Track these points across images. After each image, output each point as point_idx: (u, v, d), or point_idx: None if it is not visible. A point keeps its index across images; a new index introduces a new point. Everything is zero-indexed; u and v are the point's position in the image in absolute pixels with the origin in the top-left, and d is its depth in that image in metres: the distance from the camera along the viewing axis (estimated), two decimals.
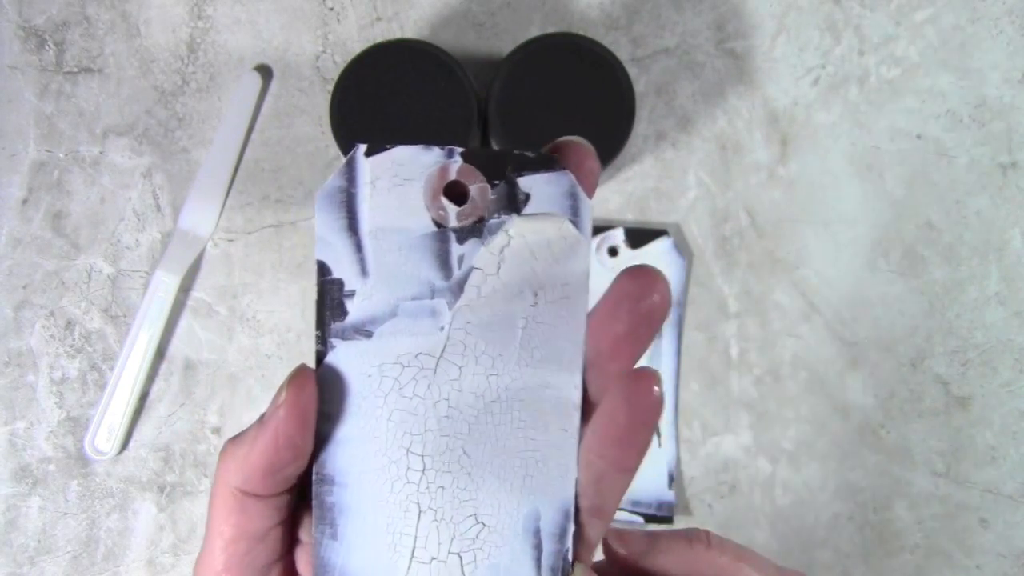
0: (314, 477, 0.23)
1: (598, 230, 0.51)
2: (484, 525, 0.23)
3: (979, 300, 0.51)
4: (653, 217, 0.52)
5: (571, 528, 0.23)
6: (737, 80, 0.52)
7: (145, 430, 0.51)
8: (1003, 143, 0.52)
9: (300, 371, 0.22)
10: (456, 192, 0.22)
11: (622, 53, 0.50)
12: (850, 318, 0.51)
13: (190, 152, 0.52)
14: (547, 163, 0.22)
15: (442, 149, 0.22)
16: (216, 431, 0.51)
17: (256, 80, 0.51)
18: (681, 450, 0.51)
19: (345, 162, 0.22)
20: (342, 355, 0.23)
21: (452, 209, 0.22)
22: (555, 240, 0.22)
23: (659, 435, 0.50)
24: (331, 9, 0.52)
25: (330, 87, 0.46)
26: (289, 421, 0.21)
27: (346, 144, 0.46)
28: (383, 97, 0.46)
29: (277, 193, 0.52)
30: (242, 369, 0.51)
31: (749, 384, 0.51)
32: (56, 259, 0.52)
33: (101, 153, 0.52)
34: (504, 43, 0.51)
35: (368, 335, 0.23)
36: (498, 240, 0.22)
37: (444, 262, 0.22)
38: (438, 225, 0.22)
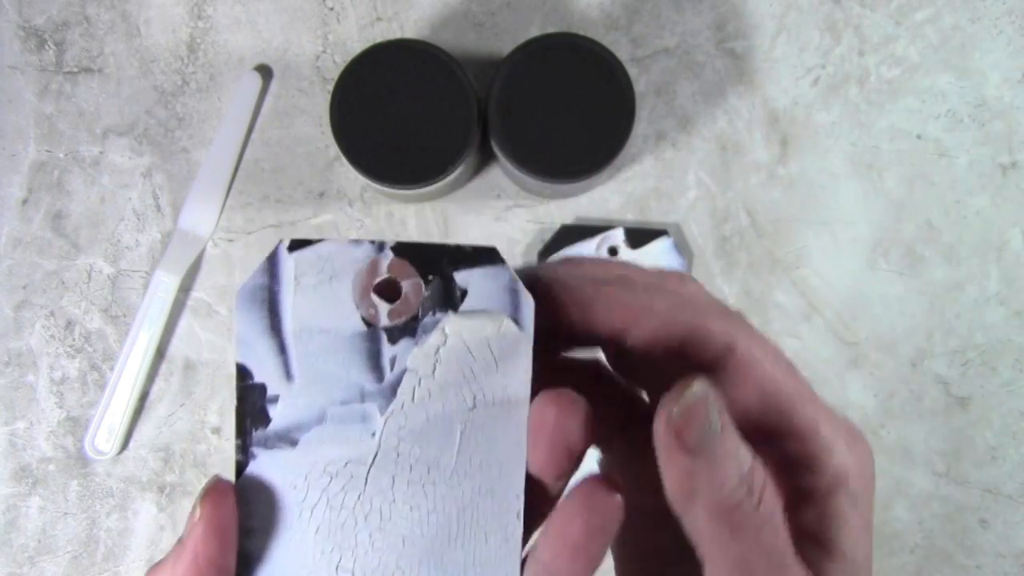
0: None
1: (598, 230, 0.51)
2: None
3: (979, 300, 0.52)
4: (653, 217, 0.52)
5: None
6: (737, 80, 0.52)
7: (145, 430, 0.51)
8: (1003, 143, 0.52)
9: (215, 484, 0.20)
10: (388, 289, 0.21)
11: (622, 53, 0.50)
12: (850, 318, 0.51)
13: (190, 152, 0.52)
14: (485, 256, 0.21)
15: (372, 244, 0.21)
16: (216, 431, 0.51)
17: (256, 80, 0.51)
18: None
19: (267, 258, 0.21)
20: (264, 464, 0.21)
21: (383, 307, 0.21)
22: (494, 339, 0.21)
23: None
24: (331, 9, 0.52)
25: (330, 87, 0.46)
26: (208, 541, 0.20)
27: (346, 144, 0.46)
28: (383, 97, 0.46)
29: (277, 193, 0.52)
30: None
31: None
32: (56, 259, 0.52)
33: (101, 153, 0.52)
34: (504, 43, 0.51)
35: (293, 443, 0.21)
36: (433, 340, 0.21)
37: (375, 364, 0.21)
38: (368, 324, 0.21)
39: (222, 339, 0.51)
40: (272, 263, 0.21)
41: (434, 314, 0.21)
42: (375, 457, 0.21)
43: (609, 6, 0.52)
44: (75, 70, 0.52)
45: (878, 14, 0.52)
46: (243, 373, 0.21)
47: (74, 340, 0.51)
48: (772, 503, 0.20)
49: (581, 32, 0.47)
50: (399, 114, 0.46)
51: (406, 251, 0.21)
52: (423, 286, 0.21)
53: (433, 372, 0.21)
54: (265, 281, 0.21)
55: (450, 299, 0.21)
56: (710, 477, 0.19)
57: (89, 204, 0.52)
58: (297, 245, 0.21)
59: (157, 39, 0.52)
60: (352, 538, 0.21)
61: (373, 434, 0.21)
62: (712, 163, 0.52)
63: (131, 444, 0.51)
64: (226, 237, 0.52)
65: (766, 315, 0.51)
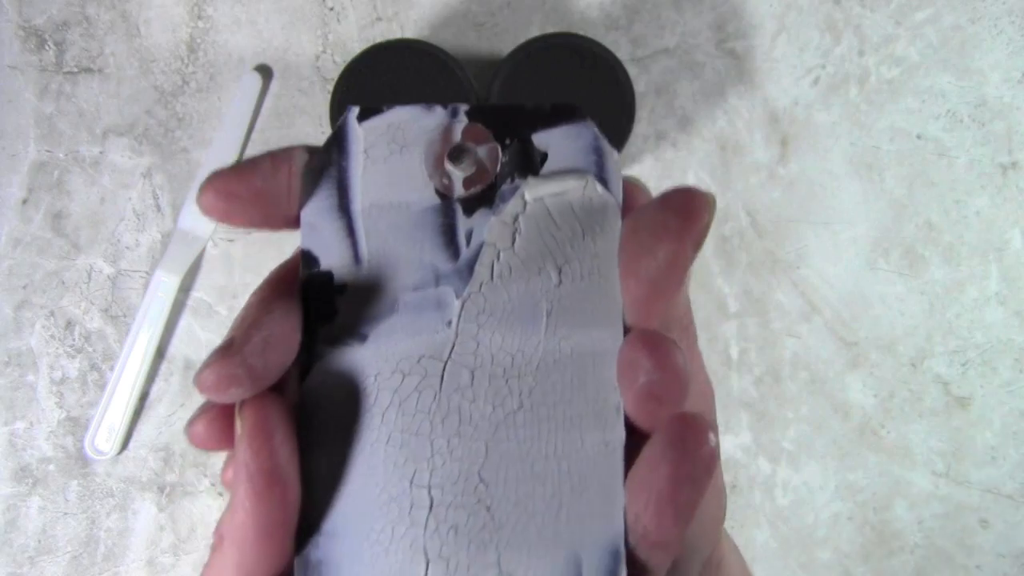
0: (297, 527, 0.18)
1: None
2: (514, 573, 0.17)
3: (979, 300, 0.51)
4: None
5: (622, 570, 0.17)
6: (737, 80, 0.52)
7: (145, 430, 0.51)
8: (1003, 143, 0.52)
9: (259, 405, 0.17)
10: (462, 157, 0.19)
11: (622, 53, 0.50)
12: (850, 318, 0.51)
13: (190, 152, 0.52)
14: (565, 114, 0.18)
15: (445, 108, 0.19)
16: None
17: (256, 80, 0.51)
18: None
19: (335, 131, 0.19)
20: (331, 366, 0.18)
21: (458, 176, 0.19)
22: (580, 204, 0.18)
23: None
24: (331, 9, 0.52)
25: (330, 87, 0.46)
26: (254, 450, 0.17)
27: None
28: (383, 97, 0.46)
29: None
30: None
31: (749, 384, 0.51)
32: (56, 259, 0.52)
33: (101, 153, 0.52)
34: (504, 43, 0.51)
35: (362, 338, 0.18)
36: (512, 207, 0.18)
37: (450, 240, 0.18)
38: (442, 196, 0.19)
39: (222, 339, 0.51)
40: (340, 135, 0.19)
41: (512, 180, 0.18)
42: (452, 349, 0.18)
43: (609, 6, 0.52)
44: (75, 70, 0.52)
45: (878, 14, 0.52)
46: (309, 260, 0.19)
47: (74, 340, 0.51)
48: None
49: (581, 32, 0.47)
50: None
51: (480, 115, 0.19)
52: (500, 151, 0.19)
53: (513, 244, 0.18)
54: (333, 156, 0.19)
55: (529, 163, 0.18)
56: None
57: (89, 204, 0.52)
58: (367, 113, 0.19)
59: (157, 39, 0.52)
60: (427, 447, 0.18)
61: (449, 322, 0.18)
62: (712, 163, 0.52)
63: (131, 444, 0.51)
64: (226, 237, 0.52)
65: (766, 315, 0.51)
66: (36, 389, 0.51)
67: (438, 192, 0.19)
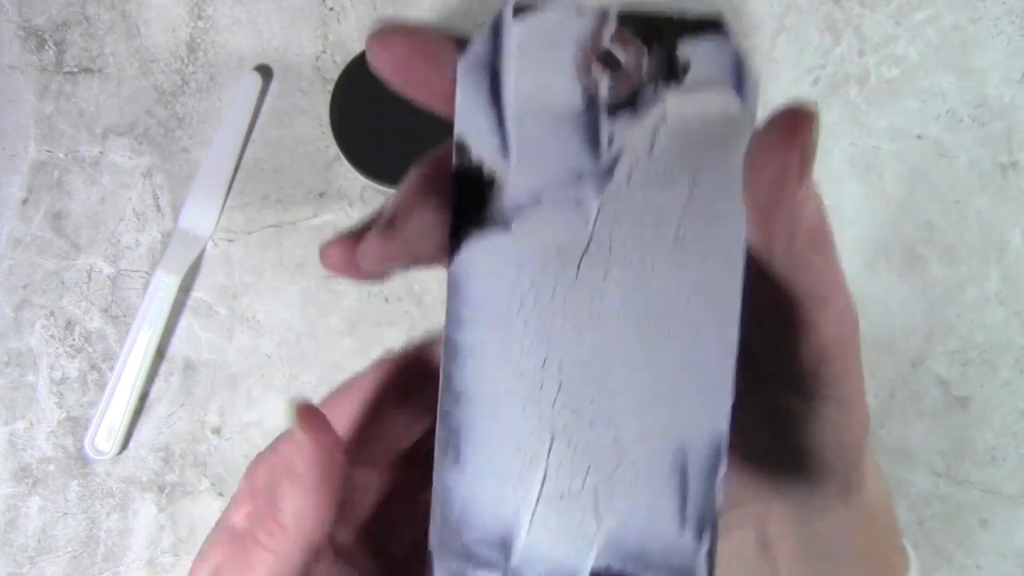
0: (440, 392, 0.20)
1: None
2: (624, 456, 0.20)
3: (979, 300, 0.51)
4: None
5: (723, 467, 0.19)
6: None
7: (145, 430, 0.51)
8: (1003, 143, 0.52)
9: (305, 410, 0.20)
10: (610, 60, 0.19)
11: None
12: None
13: (190, 152, 0.52)
14: (711, 27, 0.19)
15: (596, 11, 0.19)
16: (216, 431, 0.51)
17: (256, 80, 0.51)
18: None
19: (490, 25, 0.20)
20: (477, 249, 0.20)
21: (605, 79, 0.19)
22: (717, 118, 0.19)
23: None
24: (331, 9, 0.52)
25: (330, 87, 0.46)
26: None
27: (346, 144, 0.46)
28: (383, 97, 0.46)
29: (277, 193, 0.52)
30: (242, 369, 0.51)
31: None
32: (56, 259, 0.52)
33: (101, 153, 0.52)
34: None
35: (507, 226, 0.20)
36: (653, 115, 0.19)
37: (593, 141, 0.19)
38: (588, 97, 0.19)
39: (222, 339, 0.51)
40: (495, 29, 0.20)
41: (655, 88, 0.19)
42: (588, 246, 0.19)
43: (609, 6, 0.52)
44: (75, 70, 0.52)
45: (878, 14, 0.52)
46: (461, 148, 0.20)
47: (74, 340, 0.51)
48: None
49: None
50: (399, 114, 0.46)
51: (629, 20, 0.19)
52: (645, 56, 0.19)
53: (650, 152, 0.19)
54: (488, 48, 0.20)
55: (673, 72, 0.19)
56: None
57: (89, 204, 0.52)
58: (521, 10, 0.20)
59: (157, 39, 0.52)
60: (560, 333, 0.20)
61: (587, 221, 0.19)
62: None
63: (131, 444, 0.51)
64: (226, 237, 0.52)
65: None
66: (36, 389, 0.51)
67: (585, 93, 0.19)
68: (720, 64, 0.19)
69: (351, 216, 0.52)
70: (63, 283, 0.52)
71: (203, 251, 0.52)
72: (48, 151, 0.52)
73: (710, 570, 0.19)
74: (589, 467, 0.20)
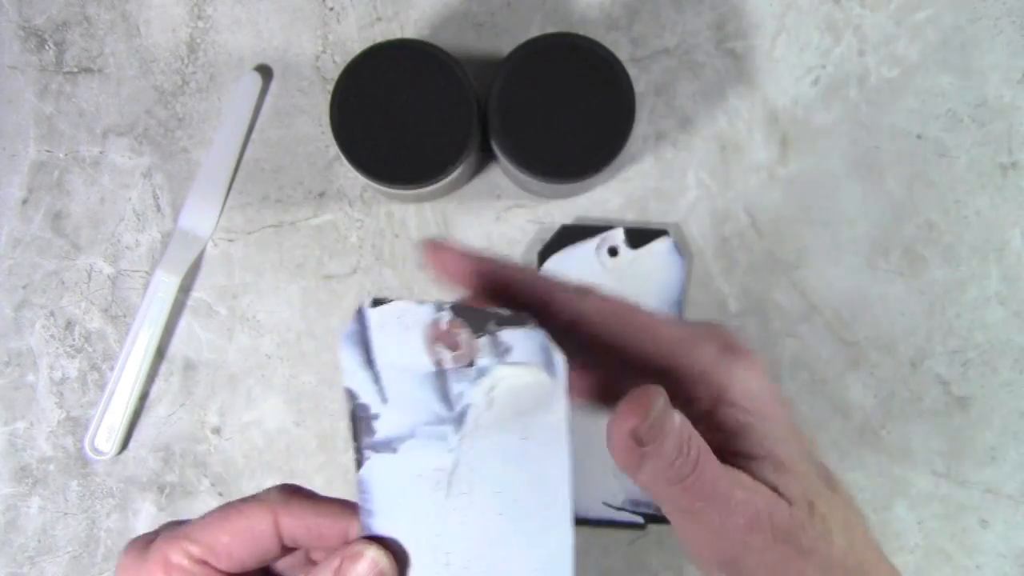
0: None
1: (598, 230, 0.51)
2: None
3: (979, 300, 0.51)
4: (653, 217, 0.52)
5: None
6: (737, 80, 0.52)
7: (145, 430, 0.51)
8: (1003, 143, 0.52)
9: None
10: (448, 339, 0.26)
11: (622, 53, 0.50)
12: (850, 318, 0.51)
13: (190, 152, 0.52)
14: (522, 321, 0.26)
15: (433, 304, 0.26)
16: (216, 431, 0.51)
17: (256, 80, 0.51)
18: None
19: (356, 313, 0.26)
20: (376, 465, 0.27)
21: (447, 354, 0.26)
22: (534, 387, 0.26)
23: None
24: (331, 9, 0.52)
25: (330, 87, 0.46)
26: None
27: (346, 144, 0.46)
28: (383, 97, 0.46)
29: (277, 193, 0.52)
30: (242, 369, 0.51)
31: None
32: (56, 259, 0.52)
33: (101, 153, 0.52)
34: (504, 43, 0.51)
35: (394, 450, 0.27)
36: (487, 382, 0.26)
37: (445, 397, 0.26)
38: (437, 367, 0.26)
39: (222, 339, 0.51)
40: (360, 315, 0.26)
41: (487, 362, 0.26)
42: (455, 467, 0.27)
43: (609, 6, 0.52)
44: (75, 70, 0.52)
45: (878, 14, 0.52)
46: (351, 394, 0.27)
47: (74, 340, 0.51)
48: (698, 445, 0.26)
49: (581, 32, 0.47)
50: (399, 114, 0.46)
51: (464, 312, 0.26)
52: (475, 340, 0.26)
53: (489, 408, 0.26)
54: (358, 327, 0.26)
55: (498, 351, 0.26)
56: (657, 455, 0.25)
57: (89, 204, 0.52)
58: (377, 303, 0.26)
59: (157, 39, 0.52)
60: (444, 524, 0.27)
61: (451, 450, 0.27)
62: (712, 163, 0.52)
63: (131, 444, 0.51)
64: (226, 237, 0.52)
65: (766, 315, 0.51)
66: (36, 389, 0.51)
67: (434, 362, 0.26)
68: (533, 348, 0.26)
69: (351, 216, 0.52)
70: (63, 283, 0.52)
71: (203, 251, 0.52)
72: (48, 151, 0.52)
73: None
74: None
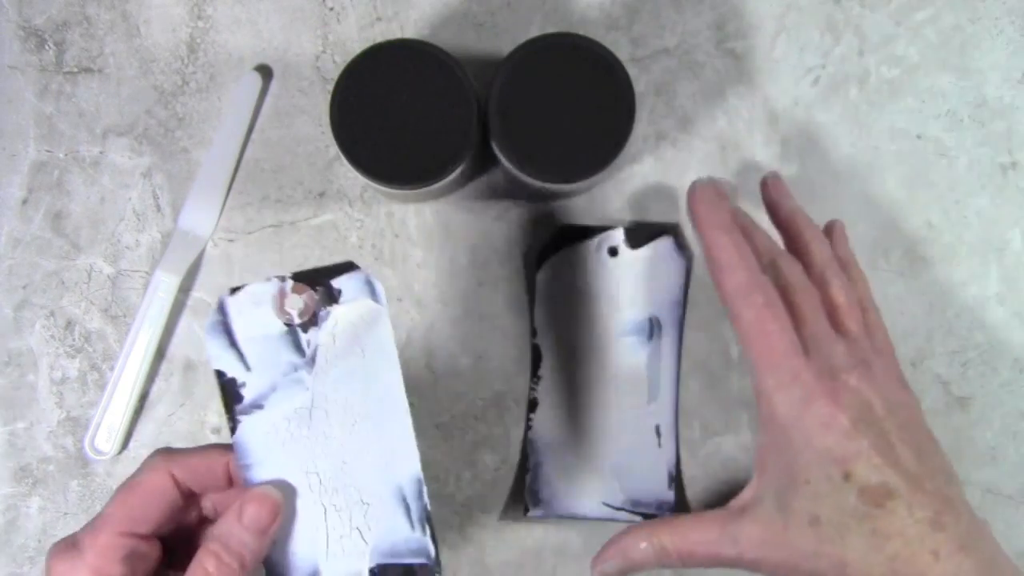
0: None
1: (598, 230, 0.51)
2: (368, 504, 0.34)
3: (979, 300, 0.52)
4: (653, 217, 0.52)
5: (424, 488, 0.35)
6: (737, 80, 0.52)
7: (145, 430, 0.51)
8: (1003, 143, 0.52)
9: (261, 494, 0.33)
10: (294, 302, 0.34)
11: (622, 53, 0.50)
12: None
13: (190, 152, 0.52)
14: (346, 268, 0.34)
15: (277, 278, 0.34)
16: (216, 431, 0.51)
17: (256, 80, 0.51)
18: (681, 450, 0.51)
19: (216, 305, 0.33)
20: (247, 425, 0.34)
21: (294, 312, 0.34)
22: (364, 313, 0.34)
23: (659, 435, 0.50)
24: (331, 9, 0.52)
25: (330, 87, 0.46)
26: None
27: (346, 144, 0.46)
28: (383, 97, 0.46)
29: (277, 193, 0.52)
30: None
31: (749, 384, 0.51)
32: (56, 259, 0.52)
33: (101, 153, 0.52)
34: (504, 43, 0.51)
35: (260, 407, 0.34)
36: (328, 324, 0.34)
37: (298, 347, 0.34)
38: (288, 325, 0.34)
39: None
40: (220, 305, 0.34)
41: (326, 309, 0.34)
42: (312, 403, 0.34)
43: (609, 6, 0.52)
44: (75, 70, 0.52)
45: (878, 14, 0.52)
46: (220, 374, 0.34)
47: (74, 340, 0.51)
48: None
49: (581, 32, 0.47)
50: (399, 114, 0.46)
51: (300, 276, 0.34)
52: (314, 294, 0.34)
53: (334, 342, 0.34)
54: (219, 317, 0.34)
55: (333, 298, 0.34)
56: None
57: (89, 204, 0.52)
58: (234, 291, 0.34)
59: (157, 39, 0.52)
60: (311, 452, 0.34)
61: (307, 389, 0.34)
62: (712, 163, 0.52)
63: (131, 444, 0.51)
64: (226, 237, 0.52)
65: None
66: (36, 389, 0.51)
67: (285, 324, 0.34)
68: (357, 286, 0.34)
69: (351, 216, 0.52)
70: (63, 283, 0.52)
71: (203, 251, 0.52)
72: (48, 151, 0.52)
73: (435, 546, 0.35)
74: (351, 518, 0.34)
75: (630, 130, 0.46)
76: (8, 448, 0.51)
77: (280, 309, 0.33)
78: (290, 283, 0.33)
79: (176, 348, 0.51)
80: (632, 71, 0.46)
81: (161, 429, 0.51)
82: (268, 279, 0.33)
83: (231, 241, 0.52)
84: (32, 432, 0.51)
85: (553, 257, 0.51)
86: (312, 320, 0.33)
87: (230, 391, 0.33)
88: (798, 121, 0.52)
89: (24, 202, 0.52)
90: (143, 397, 0.51)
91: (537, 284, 0.51)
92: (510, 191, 0.52)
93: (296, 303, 0.33)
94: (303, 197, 0.52)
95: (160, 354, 0.51)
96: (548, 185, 0.47)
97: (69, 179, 0.52)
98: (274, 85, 0.52)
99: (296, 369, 0.33)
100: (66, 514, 0.51)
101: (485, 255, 0.52)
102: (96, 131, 0.52)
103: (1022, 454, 0.51)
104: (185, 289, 0.51)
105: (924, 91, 0.52)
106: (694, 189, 0.42)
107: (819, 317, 0.39)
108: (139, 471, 0.34)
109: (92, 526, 0.33)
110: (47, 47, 0.52)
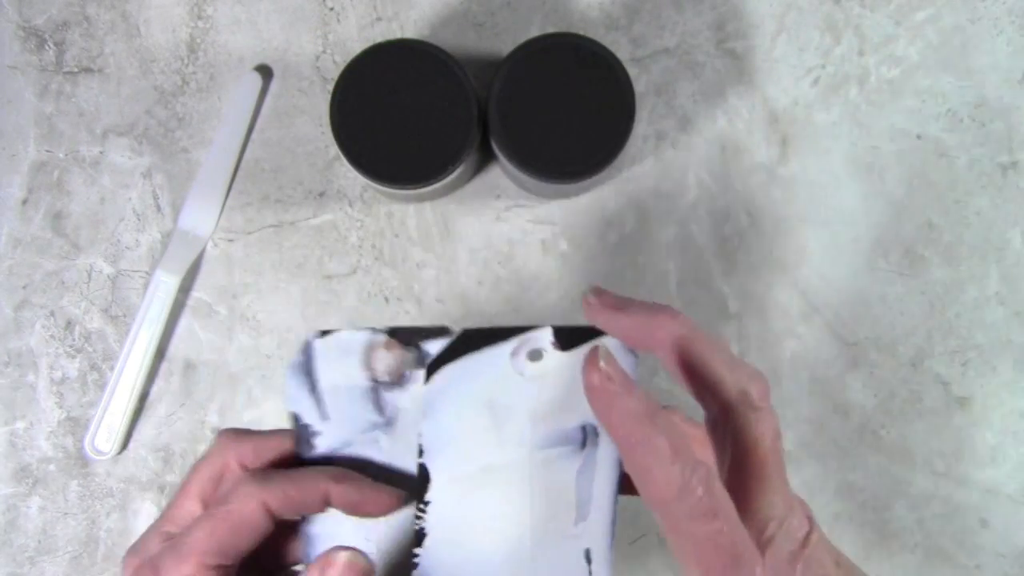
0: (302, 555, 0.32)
1: (509, 332, 0.34)
2: None
3: (979, 300, 0.52)
4: (653, 217, 0.52)
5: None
6: (737, 80, 0.52)
7: (145, 430, 0.51)
8: (1003, 143, 0.52)
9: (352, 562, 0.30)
10: (384, 360, 0.32)
11: (622, 53, 0.50)
12: (850, 318, 0.51)
13: (190, 152, 0.52)
14: (442, 331, 0.31)
15: (370, 330, 0.31)
16: (216, 431, 0.51)
17: (256, 80, 0.51)
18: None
19: (303, 345, 0.31)
20: None
21: (381, 370, 0.31)
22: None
23: (589, 561, 0.35)
24: (331, 9, 0.52)
25: (330, 87, 0.46)
26: None
27: (346, 144, 0.46)
28: (383, 97, 0.46)
29: (277, 193, 0.52)
30: (242, 369, 0.51)
31: None
32: (56, 259, 0.52)
33: (101, 153, 0.52)
34: (504, 43, 0.51)
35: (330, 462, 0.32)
36: (415, 390, 0.32)
37: (379, 407, 0.32)
38: (373, 381, 0.31)
39: (222, 339, 0.51)
40: (307, 347, 0.31)
41: (413, 372, 0.32)
42: (388, 463, 0.32)
43: (609, 6, 0.52)
44: (75, 70, 0.52)
45: (878, 14, 0.52)
46: (295, 417, 0.31)
47: (74, 340, 0.51)
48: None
49: (581, 32, 0.47)
50: (399, 114, 0.46)
51: (394, 333, 0.32)
52: (406, 354, 0.32)
53: (415, 407, 0.32)
54: (303, 358, 0.31)
55: (422, 361, 0.32)
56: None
57: (89, 204, 0.52)
58: (323, 334, 0.31)
59: (157, 39, 0.52)
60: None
61: (382, 451, 0.32)
62: (712, 163, 0.52)
63: (131, 444, 0.51)
64: (226, 237, 0.52)
65: (766, 315, 0.51)
66: (36, 389, 0.51)
67: (370, 378, 0.31)
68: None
69: (351, 216, 0.52)
70: (63, 283, 0.52)
71: (203, 251, 0.52)
72: (48, 151, 0.52)
73: None
74: None
75: (630, 130, 0.46)
76: (8, 448, 0.51)
77: (369, 364, 0.31)
78: (383, 338, 0.31)
79: (176, 348, 0.51)
80: (632, 71, 0.46)
81: (161, 429, 0.51)
82: (360, 328, 0.31)
83: (231, 241, 0.52)
84: (32, 432, 0.51)
85: (450, 365, 0.35)
86: (399, 380, 0.32)
87: (303, 437, 0.31)
88: (798, 121, 0.52)
89: (24, 202, 0.52)
90: (143, 397, 0.51)
91: (426, 396, 0.36)
92: (510, 191, 0.52)
93: (387, 360, 0.31)
94: (303, 197, 0.52)
95: (160, 354, 0.51)
96: (548, 184, 0.47)
97: (69, 179, 0.52)
98: (274, 85, 0.52)
99: (374, 428, 0.32)
100: (66, 514, 0.51)
101: (485, 255, 0.52)
102: (96, 131, 0.52)
103: (1022, 454, 0.51)
104: (185, 289, 0.51)
105: (924, 91, 0.52)
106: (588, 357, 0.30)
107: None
108: (231, 496, 0.31)
109: (176, 551, 0.30)
110: (47, 47, 0.52)
